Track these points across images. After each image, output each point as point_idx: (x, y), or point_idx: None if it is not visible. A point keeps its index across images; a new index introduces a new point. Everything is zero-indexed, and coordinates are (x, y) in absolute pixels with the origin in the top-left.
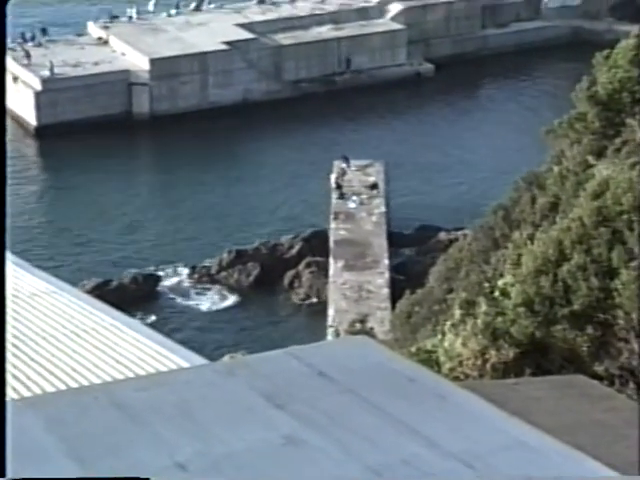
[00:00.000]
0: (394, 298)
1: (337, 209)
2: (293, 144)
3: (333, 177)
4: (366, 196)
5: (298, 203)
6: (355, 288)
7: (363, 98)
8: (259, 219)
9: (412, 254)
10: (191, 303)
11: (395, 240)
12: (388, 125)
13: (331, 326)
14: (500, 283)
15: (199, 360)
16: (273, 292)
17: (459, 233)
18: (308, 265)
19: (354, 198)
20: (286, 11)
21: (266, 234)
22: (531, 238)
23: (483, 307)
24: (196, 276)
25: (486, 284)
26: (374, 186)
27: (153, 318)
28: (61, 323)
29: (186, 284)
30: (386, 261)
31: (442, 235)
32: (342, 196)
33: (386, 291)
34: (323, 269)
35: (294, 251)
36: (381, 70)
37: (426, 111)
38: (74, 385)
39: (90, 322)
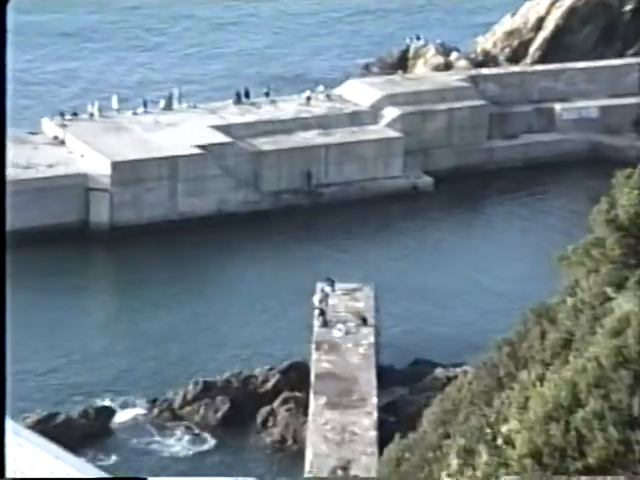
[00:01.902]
0: (382, 442)
1: (320, 338)
2: (272, 263)
3: (316, 301)
4: (353, 324)
5: (275, 329)
6: (338, 429)
7: (353, 213)
8: (230, 347)
9: (404, 392)
10: (149, 443)
11: (385, 376)
12: (380, 244)
13: (309, 473)
14: (504, 429)
15: None
16: (244, 432)
17: (458, 370)
18: (285, 401)
19: (339, 326)
20: (267, 113)
21: (238, 364)
22: (540, 379)
23: (484, 457)
24: (156, 411)
25: (488, 430)
26: (364, 320)
27: (104, 460)
28: None
29: (144, 420)
30: (374, 399)
31: (439, 372)
32: (326, 324)
33: (373, 434)
34: (302, 406)
35: (269, 385)
36: (374, 182)
37: (423, 229)
38: None
39: (29, 463)
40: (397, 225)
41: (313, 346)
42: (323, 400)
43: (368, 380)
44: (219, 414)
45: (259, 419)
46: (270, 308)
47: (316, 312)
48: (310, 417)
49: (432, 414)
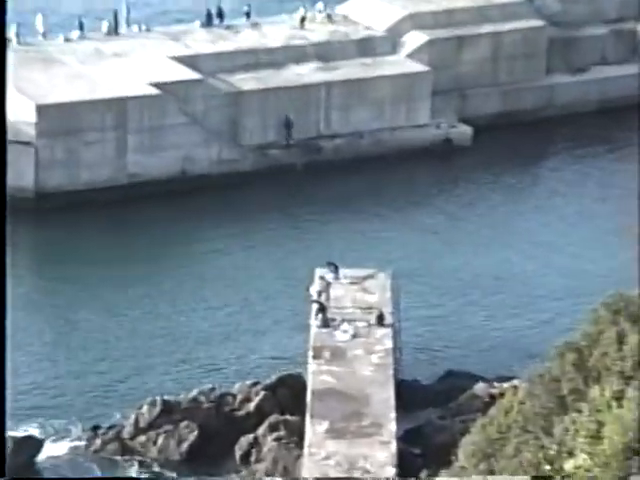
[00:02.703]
0: None
1: (319, 342)
2: (255, 242)
3: (314, 293)
4: (363, 324)
5: (259, 330)
6: (344, 465)
7: (363, 176)
8: (199, 354)
9: (432, 416)
10: None
11: (407, 393)
12: (399, 217)
13: None
14: (568, 466)
15: None
16: (218, 469)
17: (505, 385)
18: (273, 428)
19: (345, 326)
20: (248, 40)
21: (209, 378)
22: (618, 397)
23: None
24: (99, 442)
25: (546, 467)
26: (378, 318)
27: None
28: None
29: (82, 453)
30: (392, 425)
31: (479, 388)
32: (327, 323)
33: (391, 471)
34: (296, 434)
35: (252, 406)
36: (392, 133)
37: (457, 197)
38: None
39: None
40: (422, 192)
41: (310, 353)
42: (324, 426)
43: (384, 399)
44: (184, 445)
45: (238, 452)
46: (252, 302)
47: (314, 307)
48: (306, 449)
49: (471, 445)
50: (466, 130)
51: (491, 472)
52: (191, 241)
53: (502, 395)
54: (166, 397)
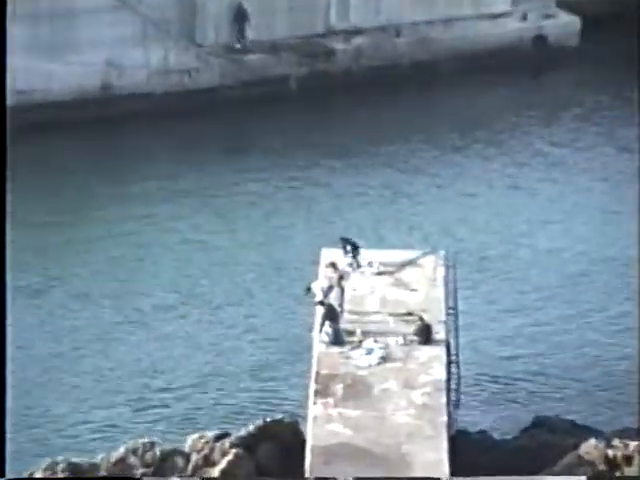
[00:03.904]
0: None
1: (326, 369)
2: (222, 205)
3: (319, 291)
4: (400, 340)
5: (228, 349)
6: None
7: (399, 97)
8: (123, 382)
9: None
10: None
11: (469, 454)
12: (458, 164)
13: None
14: None
15: None
16: None
17: (633, 444)
18: None
19: (370, 344)
20: None
21: (142, 419)
22: None
23: None
24: None
25: None
26: (425, 331)
27: None
28: None
29: None
30: None
31: (589, 447)
32: (339, 338)
33: None
34: None
35: (215, 472)
36: (447, 28)
37: (555, 130)
38: None
39: None
40: (498, 126)
41: (312, 387)
42: None
43: (432, 463)
44: None
45: None
46: (216, 304)
47: (319, 313)
48: None
49: None
50: (570, 22)
51: None
52: (119, 195)
53: (628, 460)
54: (67, 459)
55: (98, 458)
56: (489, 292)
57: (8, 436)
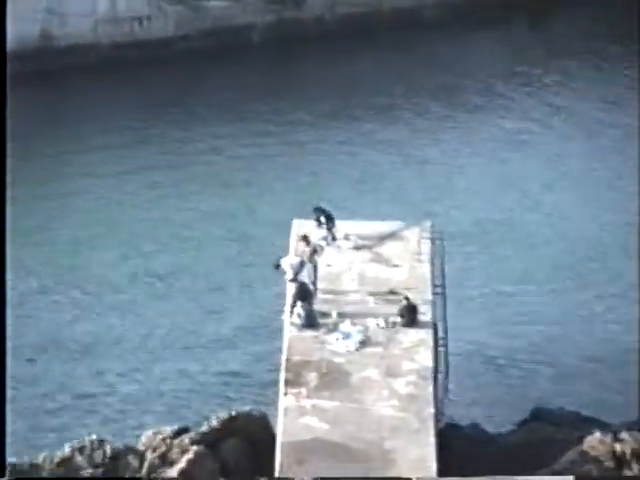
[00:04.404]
0: None
1: (299, 355)
2: (179, 167)
3: (290, 267)
4: (381, 322)
5: (189, 335)
6: None
7: (379, 48)
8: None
9: None
10: None
11: (460, 450)
12: (448, 124)
13: None
14: None
15: None
16: None
17: None
18: None
19: (347, 327)
20: None
21: (91, 420)
22: None
23: None
24: None
25: None
26: (409, 312)
27: None
28: None
29: None
30: None
31: (594, 441)
32: (313, 320)
33: None
34: None
35: (173, 473)
36: None
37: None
38: None
39: None
40: (483, 72)
41: (282, 377)
42: None
43: (417, 460)
44: None
45: None
46: (176, 273)
47: (290, 292)
48: None
49: None
50: None
51: None
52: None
53: (639, 456)
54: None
55: (40, 458)
56: (484, 265)
57: None
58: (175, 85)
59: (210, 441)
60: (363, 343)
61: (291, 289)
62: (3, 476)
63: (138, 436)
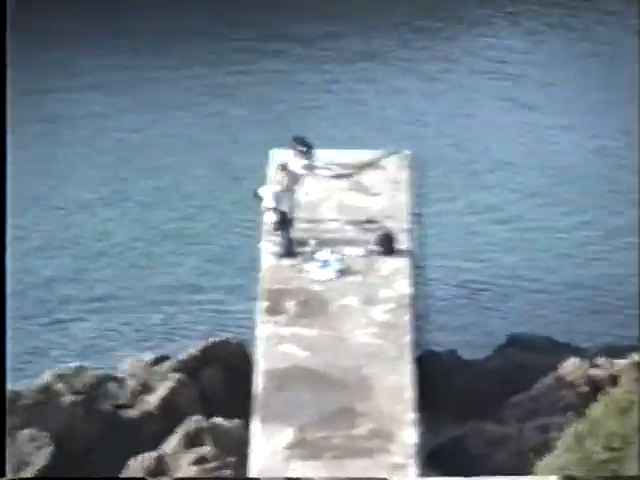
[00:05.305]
0: None
1: (277, 284)
2: (157, 95)
3: (268, 196)
4: (359, 250)
5: (160, 261)
6: None
7: None
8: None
9: (483, 418)
10: None
11: (437, 376)
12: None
13: None
14: None
15: None
16: None
17: (620, 363)
18: (192, 440)
19: (325, 255)
20: None
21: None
22: None
23: None
24: None
25: None
26: (387, 240)
27: None
28: None
29: None
30: (411, 435)
31: (570, 366)
32: (291, 249)
33: None
34: (234, 452)
35: (153, 400)
36: None
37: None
38: None
39: None
40: None
41: (261, 304)
42: (286, 436)
43: (395, 387)
44: (28, 472)
45: None
46: (151, 199)
47: (269, 221)
48: (253, 476)
49: (556, 471)
50: None
51: None
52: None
53: (614, 380)
54: None
55: (19, 385)
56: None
57: None
58: (155, 11)
59: (189, 369)
60: (341, 271)
61: (269, 218)
62: (3, 476)
63: (118, 364)
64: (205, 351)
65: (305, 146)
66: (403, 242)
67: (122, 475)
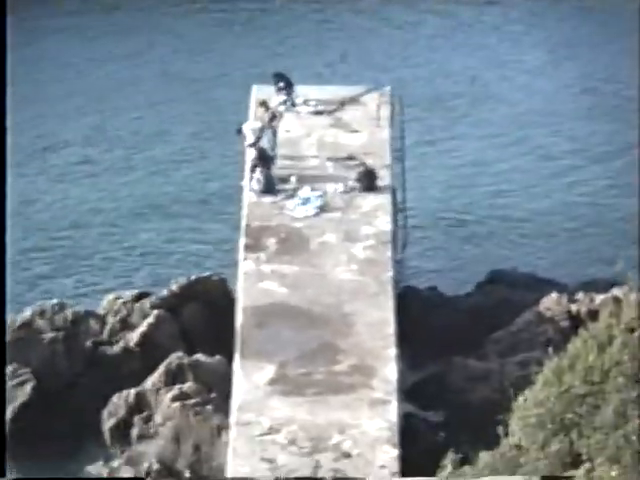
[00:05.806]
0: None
1: (258, 221)
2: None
3: (249, 133)
4: (340, 187)
5: (140, 201)
6: (304, 444)
7: None
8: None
9: (463, 354)
10: None
11: (418, 312)
12: None
13: None
14: None
15: None
16: (64, 455)
17: (600, 298)
18: (174, 376)
19: (306, 192)
20: None
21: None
22: None
23: None
24: None
25: None
26: (368, 177)
27: None
28: None
29: None
30: (393, 371)
31: (550, 302)
32: (271, 186)
33: (391, 454)
34: (215, 389)
35: (134, 337)
36: None
37: None
38: None
39: None
40: None
41: (242, 241)
42: (267, 373)
43: (376, 323)
44: (9, 410)
45: (108, 421)
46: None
47: (249, 157)
48: (235, 415)
49: (535, 407)
50: None
51: (573, 456)
52: None
53: (593, 315)
54: None
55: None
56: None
57: None
58: None
59: (170, 305)
60: (322, 208)
61: (250, 154)
62: (3, 476)
63: (99, 300)
64: (186, 288)
65: (286, 82)
66: (384, 178)
67: (104, 410)
